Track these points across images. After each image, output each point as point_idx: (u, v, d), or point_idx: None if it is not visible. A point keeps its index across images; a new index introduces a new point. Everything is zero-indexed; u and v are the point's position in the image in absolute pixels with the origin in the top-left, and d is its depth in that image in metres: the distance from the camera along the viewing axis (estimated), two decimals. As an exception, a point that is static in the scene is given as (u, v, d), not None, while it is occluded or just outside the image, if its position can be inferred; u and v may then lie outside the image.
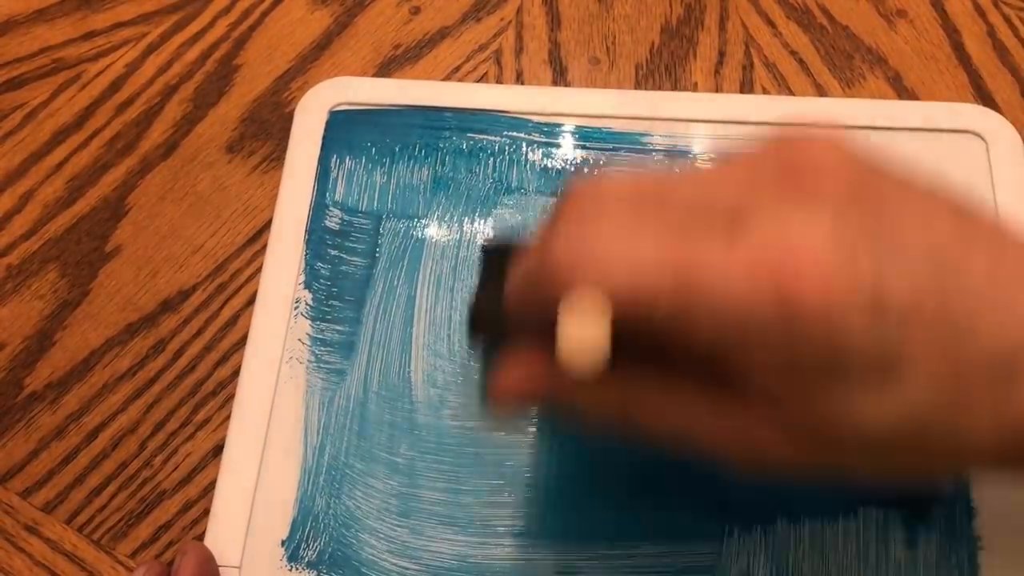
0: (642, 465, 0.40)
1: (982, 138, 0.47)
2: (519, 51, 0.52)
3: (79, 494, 0.42)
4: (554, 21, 0.53)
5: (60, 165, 0.49)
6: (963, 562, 0.38)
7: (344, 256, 0.45)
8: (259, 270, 0.46)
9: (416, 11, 0.53)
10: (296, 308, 0.44)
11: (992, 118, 0.48)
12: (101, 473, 0.42)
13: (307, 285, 0.45)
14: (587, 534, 0.39)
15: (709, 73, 0.51)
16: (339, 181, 0.47)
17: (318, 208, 0.46)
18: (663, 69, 0.51)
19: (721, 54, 0.51)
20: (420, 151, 0.48)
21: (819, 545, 0.39)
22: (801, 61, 0.51)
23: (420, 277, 0.45)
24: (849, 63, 0.51)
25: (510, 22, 0.53)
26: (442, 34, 0.53)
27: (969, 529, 0.39)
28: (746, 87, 0.50)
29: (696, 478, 0.40)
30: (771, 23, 0.52)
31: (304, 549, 0.39)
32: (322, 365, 0.43)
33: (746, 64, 0.51)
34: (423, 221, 0.46)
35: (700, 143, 0.48)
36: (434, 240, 0.46)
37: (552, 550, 0.39)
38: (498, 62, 0.51)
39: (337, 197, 0.47)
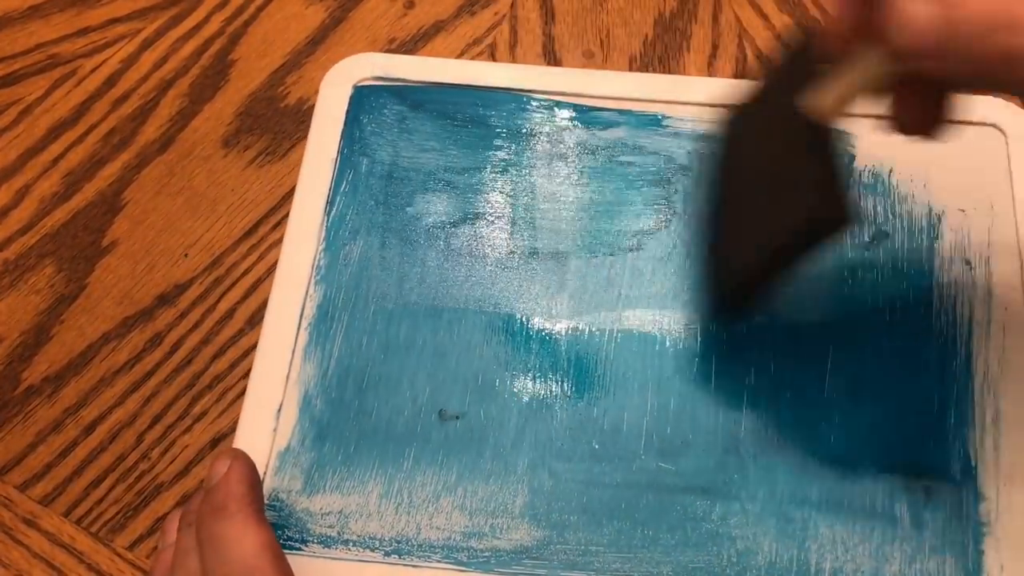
0: (651, 438, 0.41)
1: (1001, 131, 0.47)
2: (513, 45, 0.52)
3: (77, 487, 0.42)
4: (548, 15, 0.53)
5: (56, 160, 0.49)
6: (968, 546, 0.39)
7: (364, 225, 0.46)
8: (256, 263, 0.46)
9: (410, 5, 0.53)
10: (318, 273, 0.45)
11: (1013, 112, 0.48)
12: (99, 466, 0.42)
13: (328, 249, 0.45)
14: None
15: (703, 66, 0.51)
16: (363, 152, 0.48)
17: (341, 175, 0.47)
18: (656, 62, 0.51)
19: (714, 46, 0.52)
20: (443, 126, 0.48)
21: (828, 530, 0.39)
22: (794, 54, 0.51)
23: (440, 246, 0.46)
24: (842, 56, 0.51)
25: (504, 16, 0.53)
26: (436, 28, 0.53)
27: (975, 514, 0.39)
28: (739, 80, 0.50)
29: (706, 460, 0.41)
30: (764, 15, 0.53)
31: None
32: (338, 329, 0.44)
33: (739, 56, 0.51)
34: (446, 193, 0.47)
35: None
36: (456, 210, 0.46)
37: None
38: (492, 56, 0.52)
39: (360, 167, 0.47)
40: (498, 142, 0.48)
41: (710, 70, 0.51)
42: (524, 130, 0.48)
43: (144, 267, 0.46)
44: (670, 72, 0.51)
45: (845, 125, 0.45)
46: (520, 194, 0.47)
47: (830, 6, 0.52)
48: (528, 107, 0.49)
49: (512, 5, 0.53)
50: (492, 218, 0.46)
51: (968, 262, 0.44)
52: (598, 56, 0.52)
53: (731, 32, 0.52)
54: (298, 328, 0.43)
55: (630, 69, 0.51)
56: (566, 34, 0.52)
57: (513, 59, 0.52)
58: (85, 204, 0.48)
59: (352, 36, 0.52)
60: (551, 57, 0.52)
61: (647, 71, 0.51)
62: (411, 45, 0.52)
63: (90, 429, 0.43)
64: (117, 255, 0.47)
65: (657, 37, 0.52)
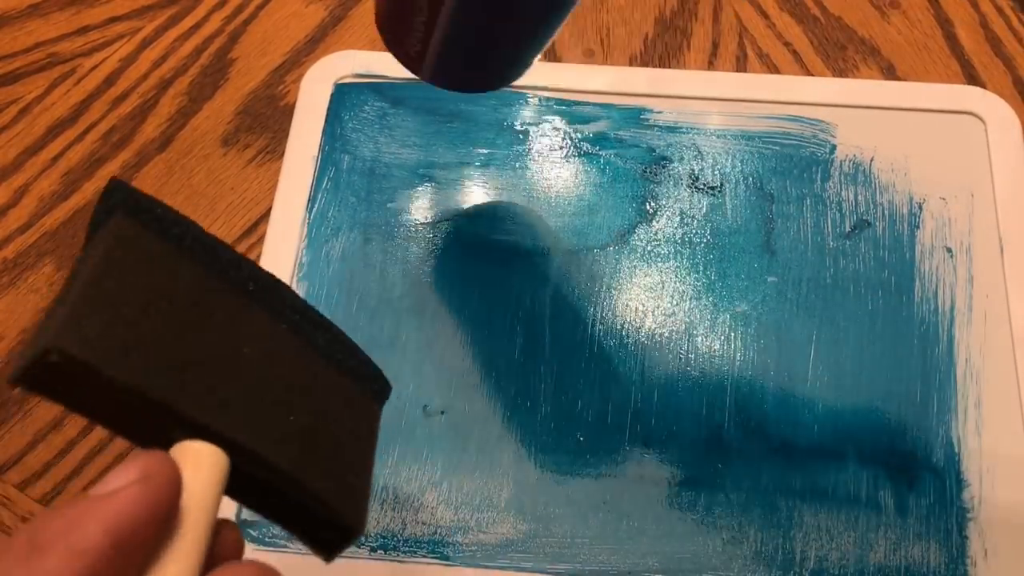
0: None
1: (981, 119, 0.47)
2: (513, 43, 0.52)
3: (76, 486, 0.42)
4: (548, 13, 0.53)
5: (55, 159, 0.49)
6: (952, 532, 0.39)
7: (346, 222, 0.46)
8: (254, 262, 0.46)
9: (410, 4, 0.53)
10: (300, 270, 0.45)
11: (992, 100, 0.48)
12: (98, 465, 0.42)
13: (310, 246, 0.45)
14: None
15: (703, 64, 0.51)
16: (344, 149, 0.48)
17: (323, 172, 0.47)
18: (657, 61, 0.51)
19: (715, 45, 0.51)
20: (424, 122, 0.48)
21: (813, 518, 0.39)
22: (794, 52, 0.51)
23: (422, 242, 0.46)
24: (842, 53, 0.51)
25: (504, 15, 0.53)
26: (436, 27, 0.53)
27: (959, 500, 0.39)
28: (739, 77, 0.50)
29: (690, 450, 0.41)
30: (764, 14, 0.52)
31: None
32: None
33: (739, 55, 0.51)
34: (428, 189, 0.47)
35: (697, 119, 0.48)
36: (438, 206, 0.46)
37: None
38: (492, 54, 0.52)
39: (342, 164, 0.47)
40: (479, 137, 0.48)
41: (711, 68, 0.51)
42: (505, 125, 0.48)
43: (143, 266, 0.46)
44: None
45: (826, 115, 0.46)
46: (502, 189, 0.47)
47: (832, 5, 0.52)
48: (509, 102, 0.49)
49: (512, 3, 0.53)
50: (474, 214, 0.46)
51: (949, 250, 0.44)
52: (599, 55, 0.51)
53: (732, 31, 0.52)
54: None
55: (630, 67, 0.51)
56: (567, 32, 0.52)
57: (512, 57, 0.51)
58: (84, 203, 0.48)
59: (352, 35, 0.52)
60: (551, 55, 0.51)
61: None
62: (410, 44, 0.52)
63: (89, 428, 0.43)
64: (116, 254, 0.47)
65: (658, 36, 0.52)
